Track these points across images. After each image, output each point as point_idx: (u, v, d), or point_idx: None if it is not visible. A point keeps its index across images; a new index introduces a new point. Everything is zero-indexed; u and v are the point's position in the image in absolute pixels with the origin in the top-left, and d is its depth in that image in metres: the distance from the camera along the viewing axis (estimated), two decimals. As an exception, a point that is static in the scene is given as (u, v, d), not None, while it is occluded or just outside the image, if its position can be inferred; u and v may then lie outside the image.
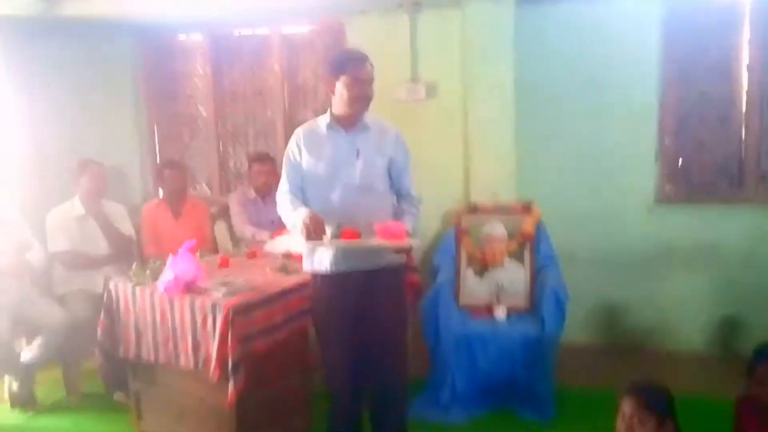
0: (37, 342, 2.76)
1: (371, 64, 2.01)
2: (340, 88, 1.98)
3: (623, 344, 3.28)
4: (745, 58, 3.05)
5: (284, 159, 2.11)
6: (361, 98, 1.99)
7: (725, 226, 3.12)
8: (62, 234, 2.94)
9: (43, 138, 3.72)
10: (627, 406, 1.71)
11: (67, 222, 2.96)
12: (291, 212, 2.00)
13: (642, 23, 3.06)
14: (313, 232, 1.86)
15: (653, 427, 1.66)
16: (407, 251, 2.02)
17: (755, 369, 1.78)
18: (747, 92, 3.07)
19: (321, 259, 2.02)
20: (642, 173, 3.19)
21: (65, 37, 3.62)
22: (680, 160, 3.23)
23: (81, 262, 2.95)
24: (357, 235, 1.88)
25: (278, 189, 2.11)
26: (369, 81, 2.01)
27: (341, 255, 1.98)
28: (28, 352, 2.78)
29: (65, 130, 3.69)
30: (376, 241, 1.88)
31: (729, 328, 3.15)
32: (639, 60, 3.09)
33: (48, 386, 2.97)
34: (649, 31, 3.06)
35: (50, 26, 3.44)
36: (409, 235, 1.93)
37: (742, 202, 3.11)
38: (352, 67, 1.98)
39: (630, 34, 3.07)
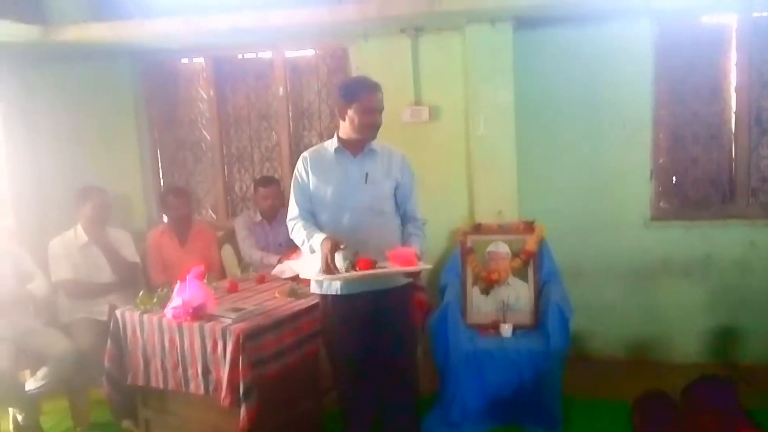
0: (42, 372, 2.72)
1: (382, 93, 2.06)
2: (352, 114, 2.02)
3: (624, 355, 3.33)
4: (733, 80, 3.18)
5: (293, 183, 2.13)
6: (371, 126, 2.05)
7: (718, 240, 3.21)
8: (65, 263, 2.91)
9: (43, 165, 3.71)
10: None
11: (70, 250, 2.94)
12: (306, 238, 2.02)
13: (635, 46, 3.17)
14: (333, 267, 1.90)
15: None
16: (418, 274, 2.06)
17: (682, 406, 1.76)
18: (735, 112, 3.20)
19: (331, 282, 2.05)
20: (638, 190, 3.29)
21: (65, 62, 3.63)
22: (674, 177, 3.34)
23: (85, 290, 2.93)
24: (372, 264, 1.92)
25: (288, 214, 2.13)
26: (380, 110, 2.06)
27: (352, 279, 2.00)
28: (33, 383, 2.73)
29: (66, 156, 3.69)
30: (390, 267, 1.93)
31: (724, 338, 3.23)
32: (633, 82, 3.20)
33: (55, 417, 2.92)
34: (643, 53, 3.18)
35: (49, 52, 3.45)
36: (419, 258, 1.97)
37: (733, 216, 3.22)
38: (365, 96, 2.02)
39: (624, 56, 3.18)
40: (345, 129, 2.07)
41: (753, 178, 3.23)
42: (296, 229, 2.08)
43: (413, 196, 2.16)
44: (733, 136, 3.23)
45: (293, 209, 2.11)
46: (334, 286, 2.05)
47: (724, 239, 3.21)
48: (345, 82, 2.19)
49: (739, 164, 3.23)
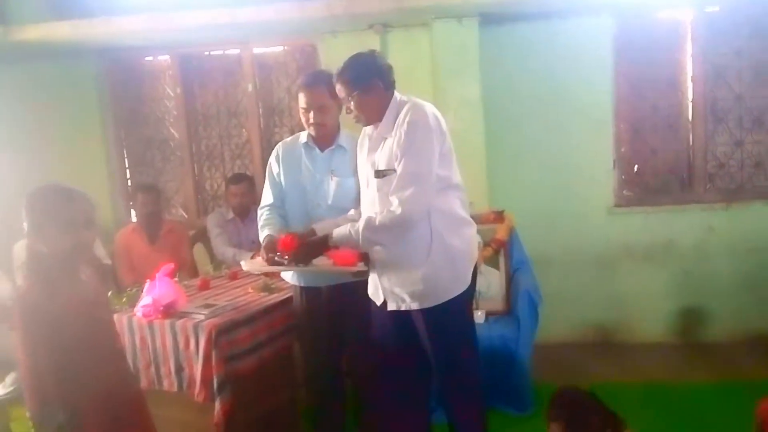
0: (11, 378, 2.64)
1: (328, 89, 1.92)
2: (300, 108, 2.02)
3: (592, 338, 3.44)
4: (689, 71, 3.31)
5: (266, 173, 2.15)
6: (313, 124, 1.98)
7: (678, 225, 3.34)
8: (31, 264, 2.85)
9: (7, 165, 3.61)
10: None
11: (36, 251, 2.88)
12: (259, 231, 2.07)
13: (596, 42, 3.27)
14: (266, 260, 1.93)
15: None
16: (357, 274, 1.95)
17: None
18: (692, 102, 3.33)
19: (293, 274, 2.10)
20: (601, 180, 3.39)
21: (27, 62, 3.55)
22: (635, 166, 3.46)
23: (53, 292, 2.87)
24: (292, 241, 1.86)
25: (261, 203, 2.15)
26: (315, 107, 1.95)
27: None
28: (1, 389, 2.66)
29: (30, 157, 3.59)
30: (329, 266, 1.89)
31: (686, 318, 3.37)
32: (595, 76, 3.30)
33: (26, 423, 2.83)
34: (603, 49, 3.28)
35: (10, 52, 3.36)
36: (361, 259, 1.90)
37: (692, 201, 3.36)
38: (300, 92, 1.99)
39: (586, 52, 3.27)
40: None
41: (710, 165, 3.38)
42: (259, 219, 2.12)
43: None
44: (690, 125, 3.36)
45: (265, 198, 2.12)
46: (296, 278, 2.08)
47: (684, 224, 3.34)
48: None
49: (697, 152, 3.36)
